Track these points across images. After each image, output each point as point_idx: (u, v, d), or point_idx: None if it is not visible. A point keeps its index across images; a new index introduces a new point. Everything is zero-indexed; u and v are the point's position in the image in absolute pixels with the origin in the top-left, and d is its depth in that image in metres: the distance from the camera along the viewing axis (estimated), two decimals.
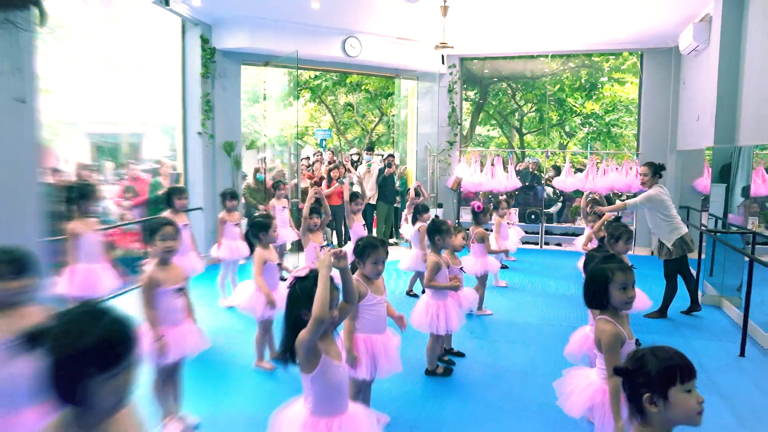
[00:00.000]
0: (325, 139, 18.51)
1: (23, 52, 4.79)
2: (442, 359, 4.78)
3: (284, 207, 7.34)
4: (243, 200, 8.93)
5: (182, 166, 8.26)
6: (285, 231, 7.18)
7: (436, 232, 4.57)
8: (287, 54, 8.06)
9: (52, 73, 12.27)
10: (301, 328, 2.31)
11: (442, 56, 9.99)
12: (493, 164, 10.06)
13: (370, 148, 10.58)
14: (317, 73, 15.46)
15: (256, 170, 9.54)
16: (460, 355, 4.94)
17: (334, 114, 20.06)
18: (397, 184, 10.63)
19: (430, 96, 10.35)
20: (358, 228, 6.30)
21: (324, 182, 10.06)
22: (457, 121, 10.39)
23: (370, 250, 3.28)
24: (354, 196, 6.41)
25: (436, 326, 4.27)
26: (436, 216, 6.89)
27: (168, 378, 3.55)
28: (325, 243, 5.44)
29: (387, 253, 3.33)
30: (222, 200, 6.33)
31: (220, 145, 8.32)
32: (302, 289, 2.37)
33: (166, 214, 5.36)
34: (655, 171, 5.86)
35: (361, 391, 3.46)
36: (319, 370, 2.33)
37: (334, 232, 10.07)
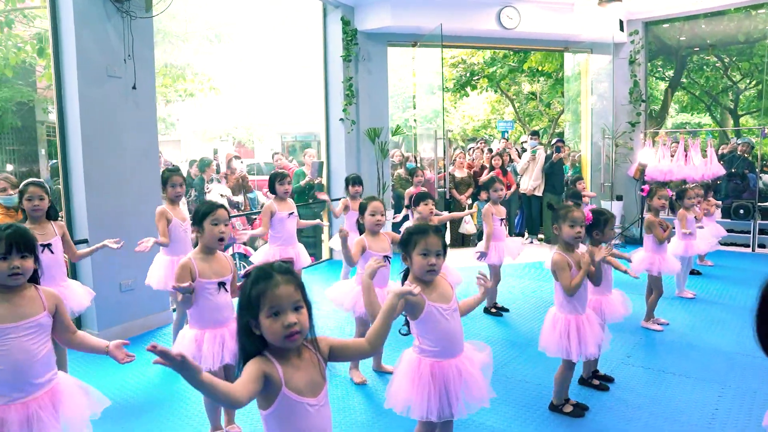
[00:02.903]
0: (507, 131, 17.40)
1: (136, 39, 4.77)
2: (590, 382, 3.74)
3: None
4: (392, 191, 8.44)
5: (325, 155, 8.02)
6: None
7: (593, 225, 3.60)
8: (431, 31, 7.33)
9: (223, 75, 13.18)
10: (250, 343, 1.69)
11: (621, 21, 8.42)
12: (686, 148, 8.23)
13: (535, 133, 9.38)
14: (486, 57, 14.51)
15: (406, 159, 8.99)
16: (608, 380, 3.82)
17: (516, 104, 18.81)
18: (569, 172, 9.30)
19: (607, 70, 8.82)
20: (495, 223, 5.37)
21: (485, 171, 9.18)
22: (640, 97, 8.70)
23: (417, 238, 2.45)
24: (491, 182, 5.48)
25: (566, 349, 3.21)
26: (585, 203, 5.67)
27: None
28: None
29: (440, 242, 2.46)
30: (345, 186, 5.86)
31: (364, 132, 7.91)
32: (243, 292, 1.70)
33: (271, 201, 5.00)
34: None
35: None
36: (277, 408, 1.65)
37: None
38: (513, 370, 4.03)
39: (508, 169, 9.18)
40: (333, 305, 4.00)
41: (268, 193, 8.22)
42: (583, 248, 3.45)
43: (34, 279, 2.35)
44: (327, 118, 7.93)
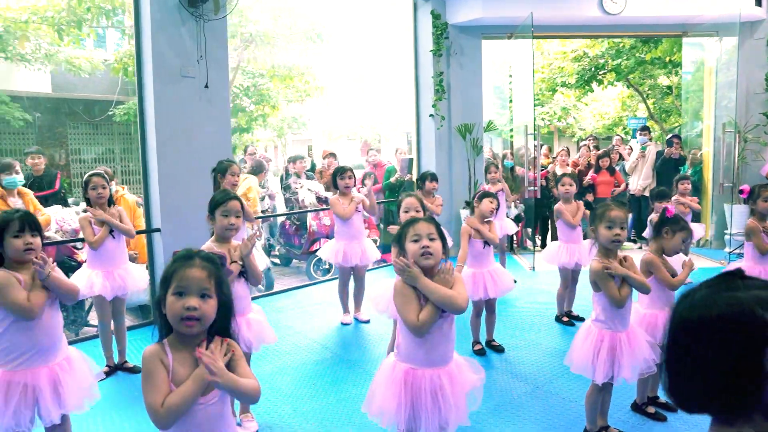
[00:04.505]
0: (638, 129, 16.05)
1: (209, 40, 5.03)
2: (644, 409, 3.31)
3: (498, 191, 6.27)
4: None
5: (415, 151, 7.93)
6: (499, 223, 6.15)
7: (662, 222, 3.19)
8: (524, 21, 6.94)
9: (329, 74, 13.58)
10: (161, 320, 1.73)
11: None
12: None
13: (645, 129, 8.51)
14: (611, 49, 13.47)
15: (504, 156, 8.62)
16: (669, 409, 3.34)
17: (651, 100, 17.26)
18: (689, 171, 8.35)
19: (736, 54, 7.76)
20: (563, 228, 4.92)
21: (591, 170, 8.55)
22: None
23: (407, 229, 2.32)
24: (559, 178, 5.05)
25: (592, 367, 2.82)
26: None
27: None
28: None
29: (432, 227, 2.29)
30: (420, 182, 5.71)
31: (455, 128, 7.70)
32: (165, 268, 1.74)
33: (334, 196, 5.01)
34: None
35: None
36: None
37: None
38: (558, 387, 3.68)
39: (617, 167, 8.44)
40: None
41: (361, 188, 8.37)
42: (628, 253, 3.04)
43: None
44: (417, 114, 7.85)
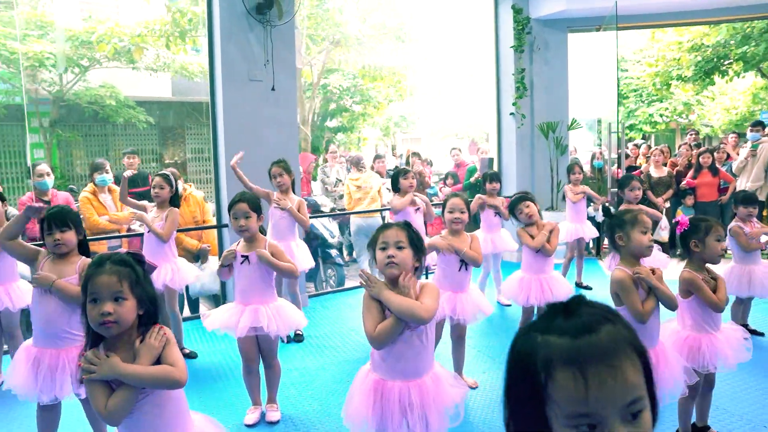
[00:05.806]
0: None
1: (276, 44, 5.25)
2: None
3: (578, 194, 5.91)
4: None
5: (496, 151, 7.72)
6: (579, 226, 5.83)
7: (692, 232, 2.89)
8: (611, 11, 6.51)
9: (415, 72, 13.53)
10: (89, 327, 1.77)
11: None
12: None
13: (758, 124, 7.62)
14: (722, 34, 12.19)
15: (593, 156, 8.14)
16: None
17: None
18: None
19: None
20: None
21: (691, 171, 7.84)
22: None
23: (378, 233, 2.29)
24: (626, 180, 4.68)
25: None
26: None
27: (253, 363, 3.28)
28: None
29: (403, 234, 2.24)
30: (482, 182, 5.59)
31: (537, 126, 7.40)
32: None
33: (395, 197, 5.00)
34: None
35: None
36: None
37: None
38: None
39: (723, 168, 7.66)
40: None
41: (443, 188, 8.30)
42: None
43: (86, 252, 2.86)
44: (498, 113, 7.65)
